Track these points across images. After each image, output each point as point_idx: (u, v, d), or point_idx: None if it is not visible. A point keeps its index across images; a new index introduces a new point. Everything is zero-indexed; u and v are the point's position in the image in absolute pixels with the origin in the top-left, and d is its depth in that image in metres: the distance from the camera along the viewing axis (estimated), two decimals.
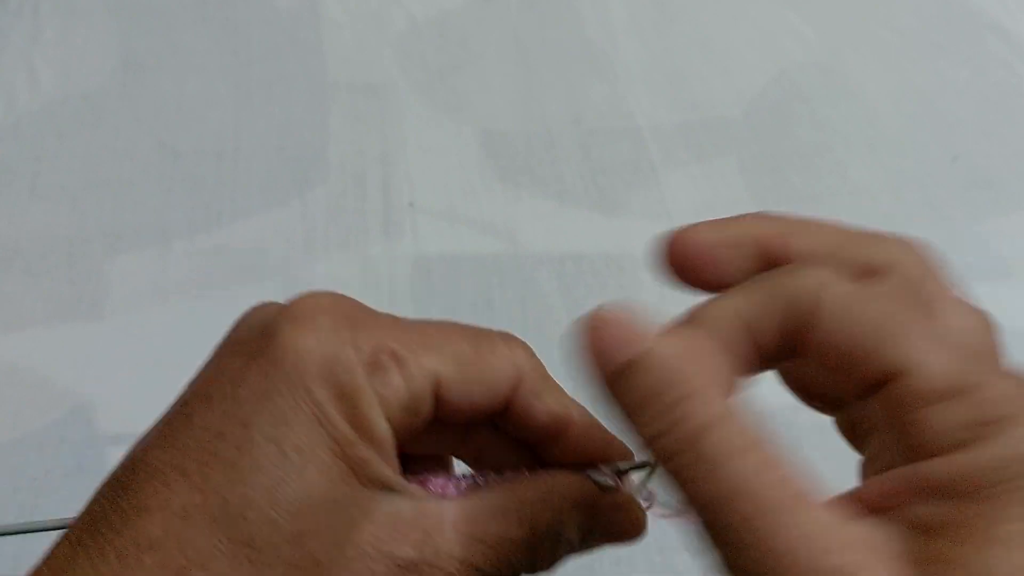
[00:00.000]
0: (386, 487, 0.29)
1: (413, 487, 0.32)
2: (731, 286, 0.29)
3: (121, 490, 0.27)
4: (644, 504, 0.35)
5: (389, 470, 0.30)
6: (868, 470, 0.29)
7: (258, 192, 0.88)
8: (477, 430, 0.36)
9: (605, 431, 0.34)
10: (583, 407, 0.34)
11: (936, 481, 0.24)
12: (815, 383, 0.33)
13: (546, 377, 0.34)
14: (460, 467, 0.36)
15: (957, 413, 0.24)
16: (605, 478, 0.34)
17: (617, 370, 0.27)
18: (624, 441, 0.34)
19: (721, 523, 0.24)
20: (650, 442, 0.26)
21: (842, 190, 0.88)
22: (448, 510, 0.30)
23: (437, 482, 0.32)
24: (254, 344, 0.29)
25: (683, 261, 0.31)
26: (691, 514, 0.28)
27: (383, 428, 0.29)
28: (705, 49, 1.01)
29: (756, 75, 0.98)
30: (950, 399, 0.24)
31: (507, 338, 0.34)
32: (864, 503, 0.25)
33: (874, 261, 0.27)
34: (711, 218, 0.32)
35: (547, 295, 0.81)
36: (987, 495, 0.23)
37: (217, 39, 1.00)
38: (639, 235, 0.87)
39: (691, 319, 0.29)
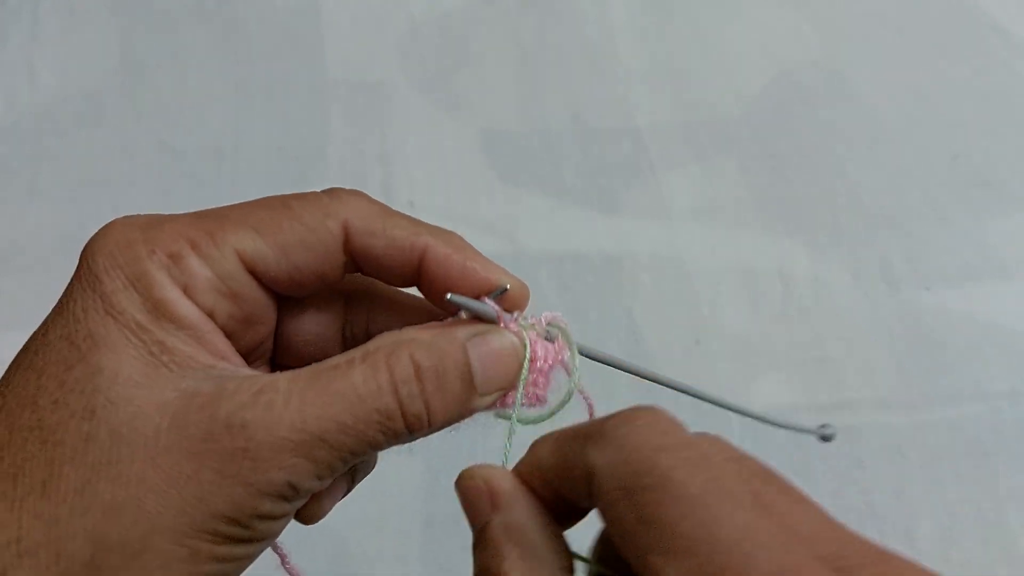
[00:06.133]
0: (199, 366, 0.30)
1: (238, 366, 0.32)
2: None
3: None
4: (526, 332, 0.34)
5: (200, 350, 0.31)
6: None
7: (258, 191, 0.87)
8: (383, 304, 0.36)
9: (467, 254, 0.33)
10: (448, 234, 0.34)
11: None
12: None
13: (387, 214, 0.33)
14: None
15: None
16: (480, 306, 0.33)
17: (475, 535, 0.30)
18: (492, 265, 0.34)
19: None
20: None
21: (842, 190, 0.88)
22: (282, 376, 0.30)
23: None
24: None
25: None
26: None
27: (188, 311, 0.31)
28: (705, 49, 1.00)
29: (756, 75, 0.98)
30: None
31: (331, 192, 0.34)
32: None
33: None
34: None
35: (547, 295, 0.81)
36: None
37: (217, 39, 1.00)
38: (639, 235, 0.88)
39: (520, 463, 0.32)
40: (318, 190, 0.35)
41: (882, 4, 1.03)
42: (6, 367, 0.31)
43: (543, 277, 0.82)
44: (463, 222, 0.86)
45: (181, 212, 0.33)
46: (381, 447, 0.31)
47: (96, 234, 0.32)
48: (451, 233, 0.34)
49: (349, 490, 0.37)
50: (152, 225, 0.32)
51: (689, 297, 0.81)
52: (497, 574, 0.28)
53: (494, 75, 0.98)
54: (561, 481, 0.29)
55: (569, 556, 0.29)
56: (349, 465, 0.31)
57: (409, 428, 0.31)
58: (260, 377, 0.30)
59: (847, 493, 0.71)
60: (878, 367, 0.77)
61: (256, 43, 1.00)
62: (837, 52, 0.99)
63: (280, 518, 0.30)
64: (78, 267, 0.31)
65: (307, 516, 0.35)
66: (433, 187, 0.88)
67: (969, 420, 0.74)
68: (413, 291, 0.36)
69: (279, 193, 0.35)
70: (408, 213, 0.34)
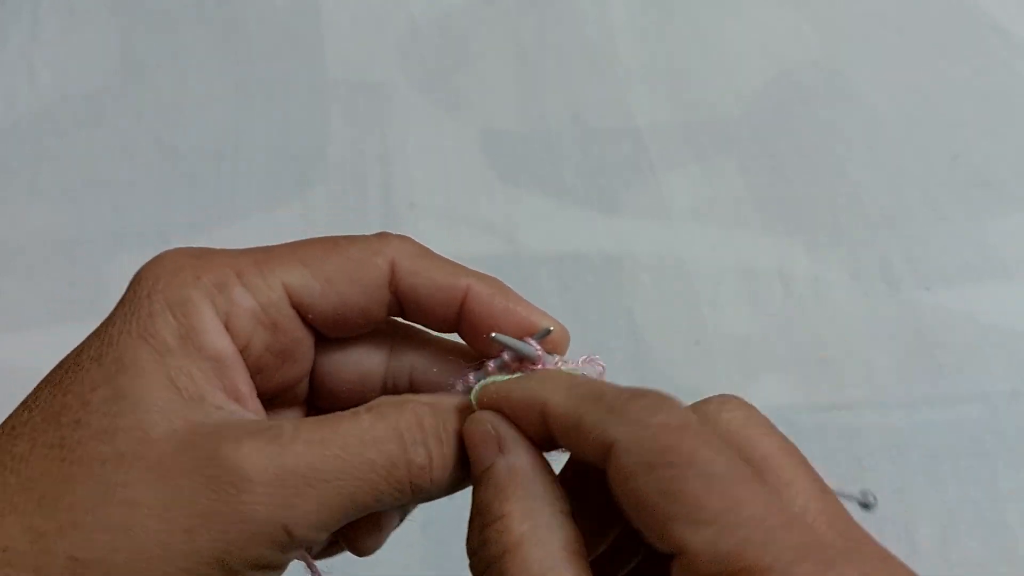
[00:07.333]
0: (208, 400, 0.30)
1: (250, 410, 0.31)
2: None
3: None
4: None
5: (216, 385, 0.30)
6: None
7: (258, 191, 0.88)
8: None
9: (509, 297, 0.34)
10: (490, 278, 0.34)
11: None
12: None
13: (428, 256, 0.34)
14: None
15: None
16: (511, 349, 0.33)
17: (478, 475, 0.31)
18: (534, 308, 0.34)
19: None
20: (471, 553, 0.29)
21: (842, 190, 0.88)
22: (287, 421, 0.30)
23: None
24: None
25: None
26: None
27: (219, 342, 0.31)
28: (705, 49, 1.00)
29: (756, 75, 0.98)
30: None
31: (380, 235, 0.34)
32: None
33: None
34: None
35: (547, 295, 0.81)
36: None
37: (217, 39, 1.00)
38: (639, 235, 0.88)
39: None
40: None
41: (882, 4, 1.03)
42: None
43: (543, 277, 0.82)
44: (463, 222, 0.86)
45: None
46: (384, 498, 0.30)
47: (150, 260, 0.32)
48: (493, 277, 0.34)
49: (402, 519, 0.37)
50: (202, 255, 0.32)
51: (689, 297, 0.81)
52: (499, 512, 0.29)
53: (494, 75, 0.98)
54: (570, 435, 0.29)
55: (566, 499, 0.30)
56: (351, 517, 0.30)
57: (411, 477, 0.31)
58: (265, 421, 0.31)
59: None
60: (878, 367, 0.77)
61: (256, 43, 1.00)
62: (837, 52, 0.99)
63: (274, 568, 0.30)
64: (127, 290, 0.32)
65: (362, 547, 0.36)
66: (433, 187, 0.88)
67: (969, 420, 0.74)
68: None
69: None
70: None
